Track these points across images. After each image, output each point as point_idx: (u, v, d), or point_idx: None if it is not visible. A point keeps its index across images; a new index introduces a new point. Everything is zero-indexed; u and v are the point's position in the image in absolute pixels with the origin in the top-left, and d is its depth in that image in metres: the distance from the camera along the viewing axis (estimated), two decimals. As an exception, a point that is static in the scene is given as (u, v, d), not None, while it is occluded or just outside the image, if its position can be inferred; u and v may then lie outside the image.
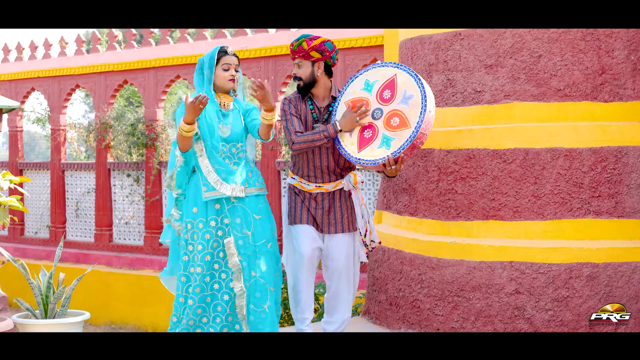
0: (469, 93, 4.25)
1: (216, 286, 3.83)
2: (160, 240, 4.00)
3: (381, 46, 7.84)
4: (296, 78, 3.92)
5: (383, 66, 3.84)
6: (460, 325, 4.05)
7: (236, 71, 3.90)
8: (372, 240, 4.01)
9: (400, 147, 3.66)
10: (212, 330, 3.82)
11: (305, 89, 3.92)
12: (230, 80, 3.88)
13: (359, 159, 3.75)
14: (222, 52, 3.87)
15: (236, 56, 3.93)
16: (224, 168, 3.83)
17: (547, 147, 3.99)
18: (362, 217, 3.98)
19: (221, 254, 3.83)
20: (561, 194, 3.98)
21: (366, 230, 4.00)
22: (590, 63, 4.07)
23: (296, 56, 3.89)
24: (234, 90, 3.96)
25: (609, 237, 3.96)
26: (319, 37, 3.87)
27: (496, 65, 4.16)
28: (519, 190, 4.02)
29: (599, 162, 3.98)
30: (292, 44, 3.90)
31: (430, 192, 4.29)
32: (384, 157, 3.69)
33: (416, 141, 3.67)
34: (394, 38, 5.16)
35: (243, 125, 3.93)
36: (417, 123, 3.65)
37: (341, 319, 4.04)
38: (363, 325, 4.53)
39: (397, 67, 3.80)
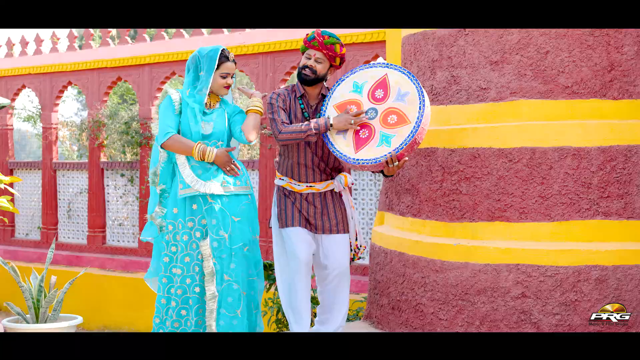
0: (474, 90, 4.18)
1: (197, 289, 3.81)
2: (140, 237, 3.97)
3: (383, 42, 7.78)
4: (308, 69, 3.80)
5: (371, 67, 3.84)
6: (464, 329, 3.98)
7: (232, 77, 3.86)
8: (359, 246, 3.98)
9: (402, 143, 3.66)
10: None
11: (312, 82, 3.84)
12: (225, 87, 3.86)
13: (357, 160, 3.70)
14: (224, 57, 3.82)
15: (234, 62, 3.90)
16: (199, 165, 3.80)
17: (554, 146, 3.93)
18: (352, 218, 3.97)
19: (200, 256, 3.81)
20: (569, 194, 3.91)
21: (356, 233, 3.98)
22: (599, 59, 4.00)
23: (324, 51, 3.78)
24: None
25: (618, 239, 3.89)
26: (344, 46, 3.84)
27: (502, 61, 4.09)
28: (525, 190, 3.94)
29: (607, 161, 3.91)
30: (323, 37, 3.78)
31: (433, 192, 4.21)
32: (385, 155, 3.67)
33: (417, 136, 3.68)
34: (396, 34, 5.09)
35: (227, 125, 3.90)
36: (418, 118, 3.67)
37: (335, 326, 3.97)
38: (364, 330, 4.47)
39: (387, 67, 3.81)
